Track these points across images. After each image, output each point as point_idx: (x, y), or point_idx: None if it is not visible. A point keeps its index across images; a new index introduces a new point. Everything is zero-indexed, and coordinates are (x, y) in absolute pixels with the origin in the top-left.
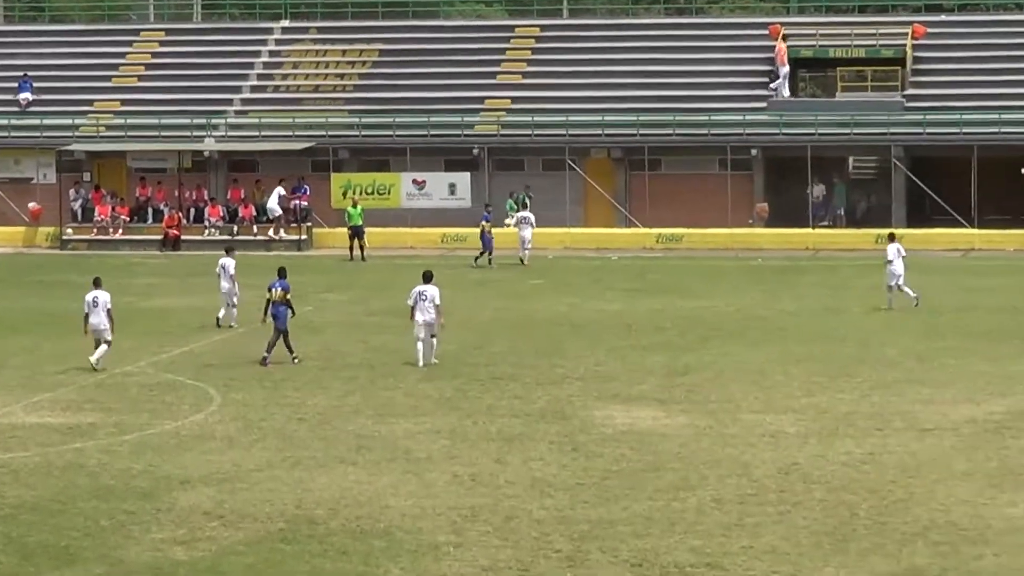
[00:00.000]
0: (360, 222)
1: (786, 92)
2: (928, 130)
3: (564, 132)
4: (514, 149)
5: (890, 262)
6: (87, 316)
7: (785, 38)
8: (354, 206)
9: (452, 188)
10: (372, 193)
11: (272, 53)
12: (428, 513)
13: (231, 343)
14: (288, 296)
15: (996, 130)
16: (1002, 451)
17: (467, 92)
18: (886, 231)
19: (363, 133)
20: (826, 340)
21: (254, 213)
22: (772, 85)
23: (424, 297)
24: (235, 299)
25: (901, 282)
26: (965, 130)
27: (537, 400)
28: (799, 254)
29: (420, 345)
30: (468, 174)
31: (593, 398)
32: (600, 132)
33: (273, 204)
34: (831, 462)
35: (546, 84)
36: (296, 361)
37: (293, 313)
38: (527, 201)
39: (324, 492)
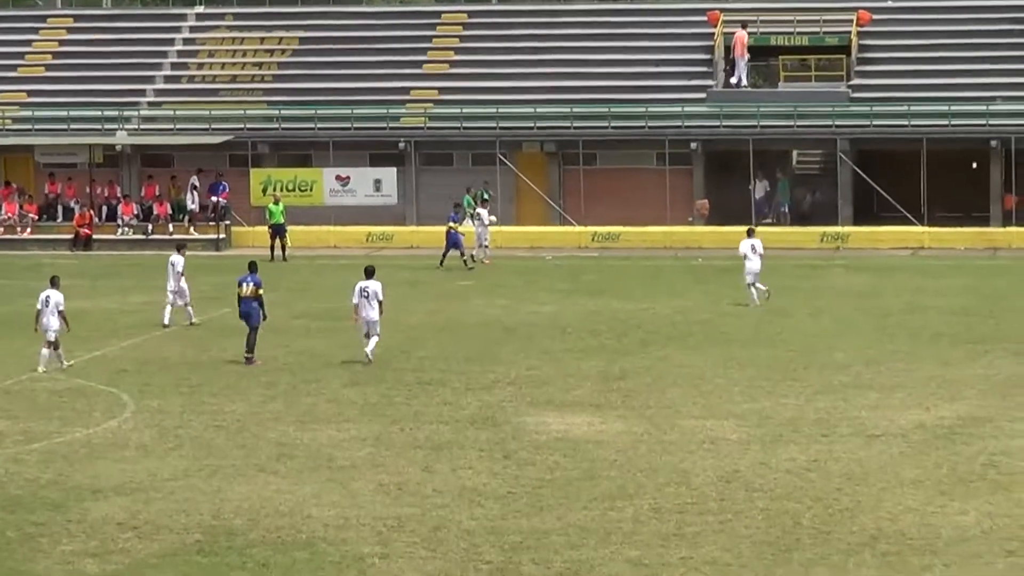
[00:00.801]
0: (282, 220)
1: (745, 82)
2: (875, 122)
3: (494, 124)
4: (442, 143)
5: (745, 257)
6: (39, 314)
7: (745, 25)
8: (275, 203)
9: (378, 184)
10: (293, 190)
11: (187, 41)
12: (353, 523)
13: (146, 347)
14: (260, 292)
15: (946, 122)
16: (952, 458)
17: (392, 82)
18: (833, 229)
19: (283, 126)
20: (770, 343)
21: (169, 211)
22: (732, 79)
23: (367, 293)
24: (187, 297)
25: (754, 279)
26: (914, 122)
27: (467, 406)
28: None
29: (366, 340)
30: (394, 169)
31: (526, 404)
32: (532, 124)
33: (193, 202)
34: (774, 469)
35: (475, 74)
36: (252, 362)
37: (264, 313)
38: (486, 197)
39: (243, 502)
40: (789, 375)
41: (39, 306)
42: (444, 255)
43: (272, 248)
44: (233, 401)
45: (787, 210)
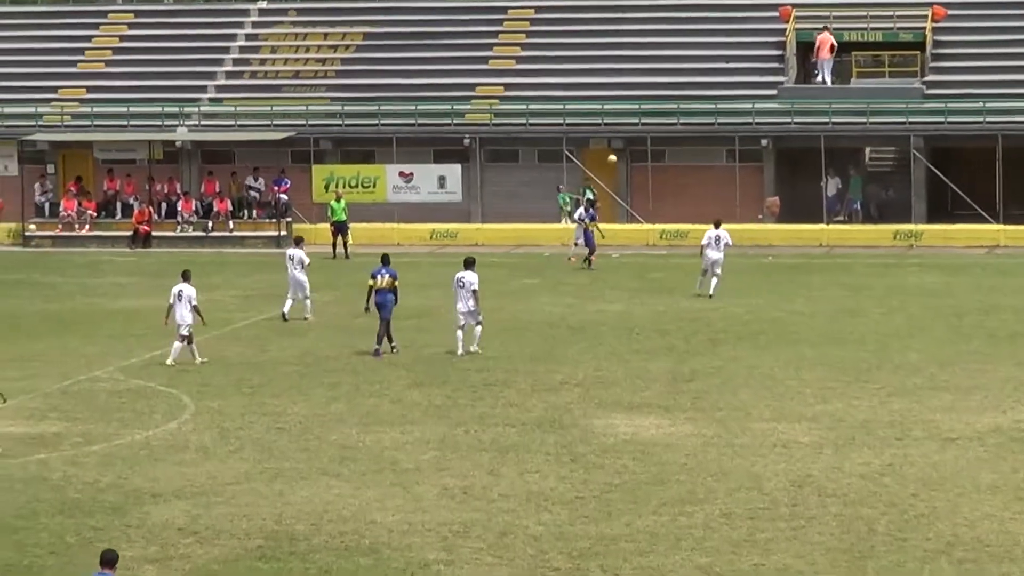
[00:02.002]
0: (344, 217)
1: (829, 82)
2: (949, 119)
3: (561, 121)
4: (507, 139)
5: (705, 245)
6: (170, 308)
7: (828, 27)
8: (337, 200)
9: (442, 181)
10: (356, 186)
11: (249, 36)
12: (417, 529)
13: (206, 346)
14: (396, 283)
15: (1022, 119)
16: None
17: (457, 78)
18: (906, 227)
19: (346, 122)
20: (842, 343)
21: (230, 208)
22: (816, 79)
23: (462, 284)
24: (307, 290)
25: (717, 268)
26: (989, 119)
27: (533, 408)
28: (812, 251)
29: (460, 333)
30: (459, 166)
31: (593, 406)
32: (599, 121)
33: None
34: (847, 474)
35: (541, 70)
36: (395, 351)
37: (396, 301)
38: (590, 197)
39: (305, 506)
40: (862, 376)
41: (170, 300)
42: (591, 253)
43: (334, 246)
44: (295, 402)
45: (859, 207)
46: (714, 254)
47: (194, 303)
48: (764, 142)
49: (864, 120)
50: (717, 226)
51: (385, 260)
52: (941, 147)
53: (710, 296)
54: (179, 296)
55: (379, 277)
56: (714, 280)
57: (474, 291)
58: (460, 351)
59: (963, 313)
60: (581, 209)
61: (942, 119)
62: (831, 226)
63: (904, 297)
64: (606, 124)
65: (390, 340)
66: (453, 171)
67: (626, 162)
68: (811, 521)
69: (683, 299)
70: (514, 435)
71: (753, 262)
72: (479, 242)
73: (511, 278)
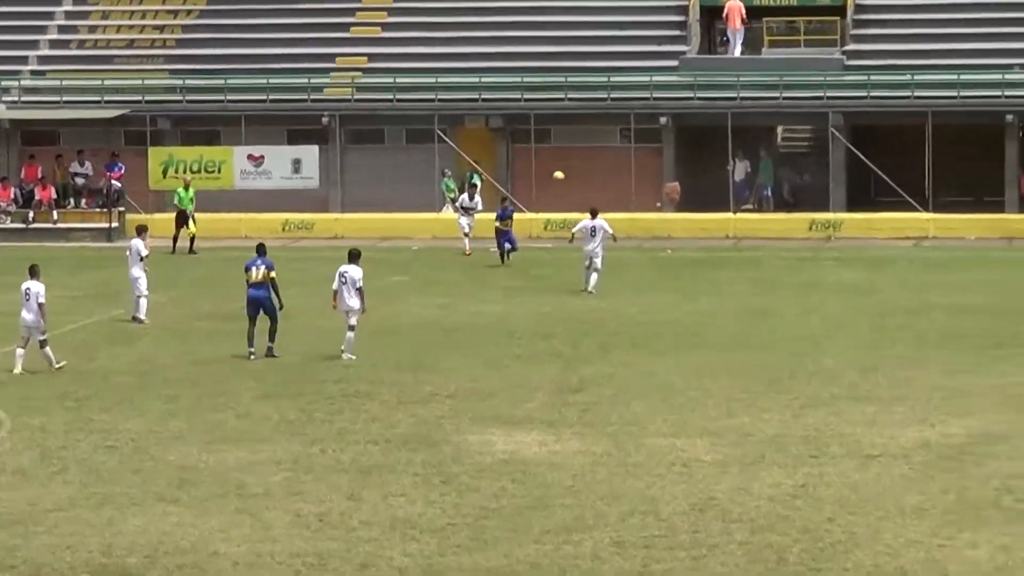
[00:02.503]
0: (191, 207)
1: (737, 51)
2: (873, 93)
3: (432, 96)
4: (372, 117)
5: (579, 237)
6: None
7: None
8: (186, 188)
9: (296, 165)
10: (199, 171)
11: (76, 1)
12: (266, 561)
13: (27, 355)
14: (273, 276)
15: (955, 93)
16: (961, 482)
17: (314, 48)
18: (824, 216)
19: (187, 98)
20: (750, 348)
21: (54, 196)
22: (728, 51)
23: (345, 279)
24: (142, 288)
25: (597, 261)
26: (918, 93)
27: (399, 423)
28: (718, 243)
29: (351, 335)
30: (316, 148)
31: (467, 420)
32: (476, 96)
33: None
34: (755, 496)
35: (410, 38)
36: (273, 353)
37: (279, 300)
38: (475, 183)
39: (139, 536)
40: (773, 385)
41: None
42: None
43: (175, 238)
44: (127, 418)
45: (770, 194)
46: (590, 246)
47: (41, 300)
48: (663, 120)
49: (776, 95)
50: (594, 215)
51: (261, 250)
52: (863, 125)
53: (589, 292)
54: (27, 294)
55: (254, 269)
56: (593, 276)
57: (359, 288)
58: (347, 357)
59: (887, 313)
60: (464, 196)
61: (864, 94)
62: (739, 215)
63: (821, 295)
64: (484, 100)
65: (271, 339)
66: (309, 154)
67: (506, 143)
68: (713, 549)
69: (570, 298)
70: (377, 454)
71: (650, 256)
72: (338, 234)
73: (376, 275)
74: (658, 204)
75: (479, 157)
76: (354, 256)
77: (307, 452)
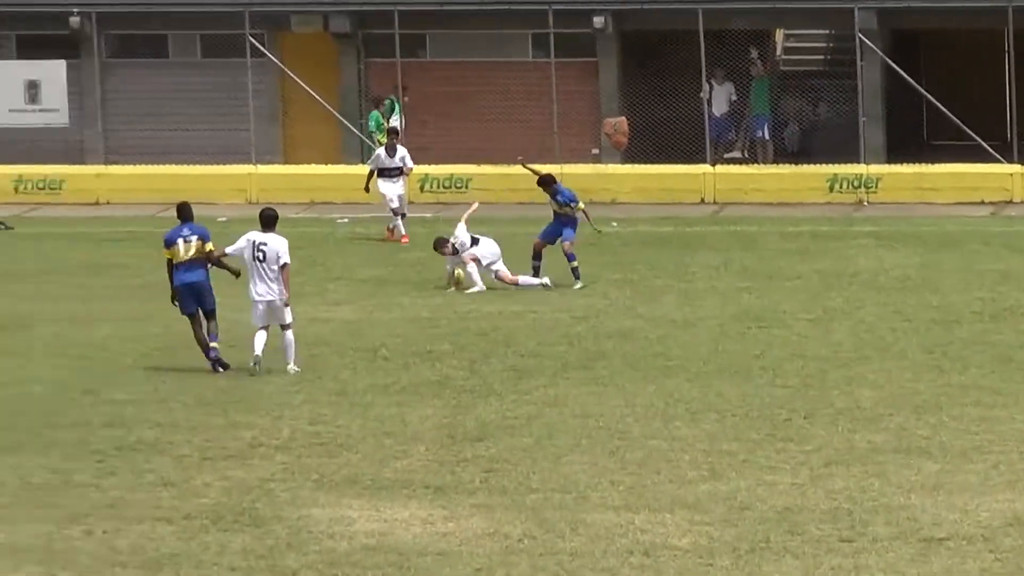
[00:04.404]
0: None
1: None
2: None
3: None
4: (146, 17)
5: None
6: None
7: None
8: None
9: (32, 92)
10: None
11: None
12: None
13: None
14: (209, 249)
15: None
16: None
17: None
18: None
19: None
20: (743, 375)
21: None
22: None
23: (263, 254)
24: None
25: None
26: None
27: (205, 490)
28: (689, 211)
29: (261, 336)
30: (63, 64)
31: (310, 484)
32: None
33: None
34: None
35: None
36: (225, 365)
37: (233, 271)
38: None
39: None
40: (779, 432)
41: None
42: None
43: None
44: None
45: (767, 135)
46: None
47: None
48: (599, 20)
49: None
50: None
51: (185, 213)
52: (908, 30)
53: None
54: None
55: (180, 243)
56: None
57: (283, 265)
58: (257, 360)
59: (952, 319)
60: (380, 151)
61: None
62: (720, 168)
63: (850, 292)
64: None
65: (211, 338)
66: (53, 73)
67: (356, 56)
68: None
69: (464, 297)
70: (171, 537)
71: (586, 231)
72: (101, 199)
73: (161, 265)
74: (595, 151)
75: (316, 77)
76: (270, 220)
77: (64, 535)
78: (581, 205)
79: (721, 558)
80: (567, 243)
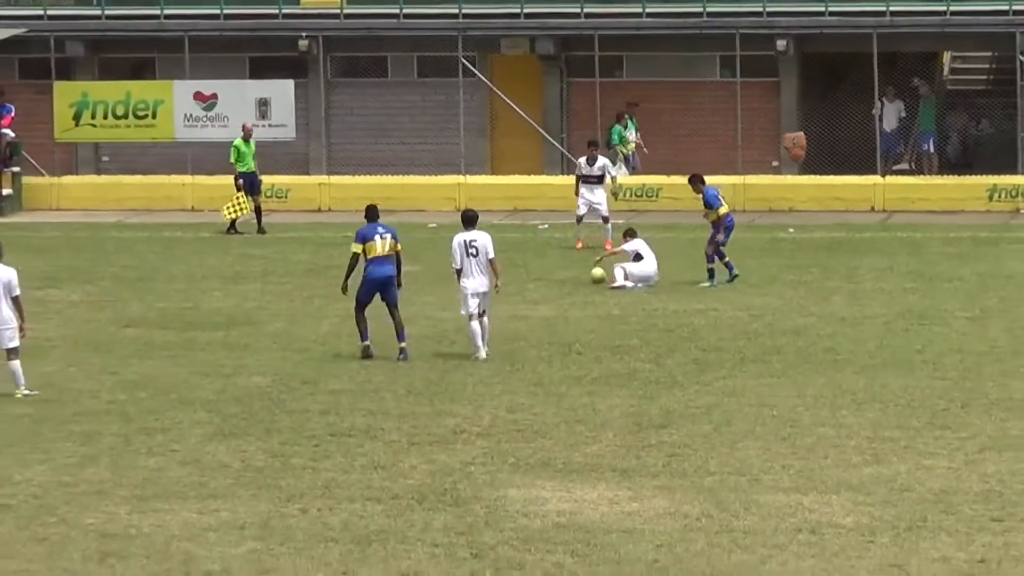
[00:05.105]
0: (254, 167)
1: None
2: None
3: (455, 10)
4: (370, 41)
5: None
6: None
7: None
8: (246, 140)
9: (263, 108)
10: (125, 116)
11: None
12: None
13: None
14: (399, 248)
15: None
16: None
17: None
18: (1012, 180)
19: (108, 14)
20: (906, 368)
21: None
22: None
23: (475, 250)
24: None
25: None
26: None
27: (411, 472)
28: (860, 219)
29: (475, 326)
30: (291, 83)
31: (507, 468)
32: (518, 10)
33: None
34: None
35: None
36: (403, 357)
37: (399, 280)
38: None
39: None
40: (938, 420)
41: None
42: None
43: (258, 211)
44: (26, 465)
45: (933, 149)
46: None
47: (16, 294)
48: (782, 44)
49: (943, 8)
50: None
51: (373, 213)
52: None
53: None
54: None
55: (378, 239)
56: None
57: (491, 259)
58: (481, 353)
59: None
60: (583, 160)
61: None
62: (889, 179)
63: (1007, 292)
64: (527, 15)
65: (400, 337)
66: (282, 91)
67: (560, 76)
68: None
69: (652, 297)
70: (380, 516)
71: (765, 237)
72: (323, 207)
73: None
74: (775, 164)
75: (521, 95)
76: (471, 219)
77: (281, 513)
78: (716, 213)
79: (881, 535)
80: (708, 244)
